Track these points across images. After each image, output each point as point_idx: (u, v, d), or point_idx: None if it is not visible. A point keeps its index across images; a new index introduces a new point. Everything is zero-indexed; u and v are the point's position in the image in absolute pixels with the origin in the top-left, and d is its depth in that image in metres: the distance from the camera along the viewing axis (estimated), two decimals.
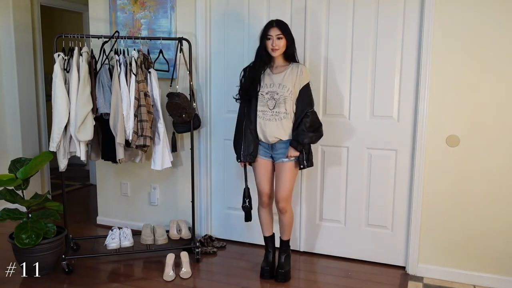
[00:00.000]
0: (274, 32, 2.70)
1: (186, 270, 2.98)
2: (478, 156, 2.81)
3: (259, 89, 2.76)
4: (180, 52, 3.18)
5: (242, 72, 2.88)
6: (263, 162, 2.88)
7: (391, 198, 3.08)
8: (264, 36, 2.73)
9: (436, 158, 2.89)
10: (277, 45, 2.70)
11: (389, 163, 3.05)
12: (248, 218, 2.97)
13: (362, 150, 3.11)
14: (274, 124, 2.74)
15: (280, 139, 2.77)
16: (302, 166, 2.78)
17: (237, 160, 2.92)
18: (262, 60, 2.78)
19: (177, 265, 3.07)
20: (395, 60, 2.95)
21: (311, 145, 2.80)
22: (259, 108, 2.77)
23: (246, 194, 2.94)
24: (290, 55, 2.77)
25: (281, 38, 2.70)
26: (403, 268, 3.10)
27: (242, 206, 2.96)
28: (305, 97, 2.74)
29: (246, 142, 2.81)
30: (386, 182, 3.07)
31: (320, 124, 2.80)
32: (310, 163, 2.80)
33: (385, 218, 3.11)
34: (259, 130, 2.79)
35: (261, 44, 2.76)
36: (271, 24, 2.73)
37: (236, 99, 2.89)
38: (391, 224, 3.11)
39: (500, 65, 2.69)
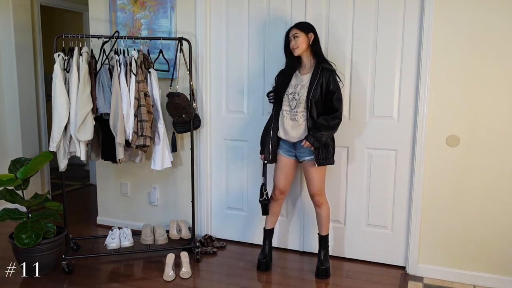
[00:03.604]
0: (292, 32, 2.79)
1: (186, 270, 2.98)
2: (478, 156, 2.81)
3: (286, 90, 2.84)
4: (180, 52, 3.18)
5: (277, 76, 2.96)
6: (284, 160, 2.94)
7: (391, 198, 3.08)
8: (286, 39, 2.84)
9: (436, 158, 2.89)
10: (295, 44, 2.77)
11: (389, 163, 3.05)
12: (265, 211, 3.02)
13: (362, 150, 3.11)
14: (292, 124, 2.82)
15: (300, 139, 2.82)
16: (316, 164, 2.80)
17: (260, 153, 3.02)
18: (291, 61, 2.87)
19: (177, 265, 3.07)
20: (395, 60, 2.95)
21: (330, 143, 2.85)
22: (283, 107, 2.85)
23: (264, 188, 2.99)
24: (316, 53, 2.80)
25: (298, 36, 2.76)
26: (403, 268, 3.11)
27: (260, 200, 3.00)
28: (331, 102, 2.75)
29: (272, 141, 2.91)
30: (386, 182, 3.07)
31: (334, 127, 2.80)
32: (325, 161, 2.82)
33: (385, 218, 3.11)
34: (281, 129, 2.87)
35: (285, 46, 2.85)
36: (291, 27, 2.83)
37: (269, 99, 2.99)
38: (391, 224, 3.11)
39: (501, 64, 2.69)
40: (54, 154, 3.01)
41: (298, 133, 2.81)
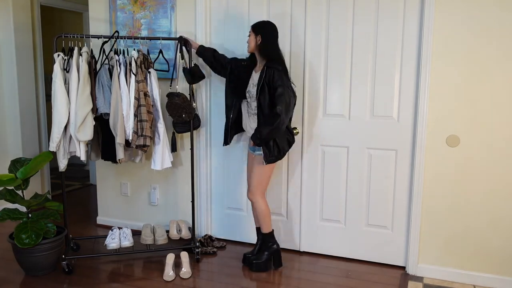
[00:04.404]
0: (249, 29, 2.94)
1: (186, 270, 2.98)
2: (478, 156, 2.81)
3: (247, 87, 2.95)
4: (180, 52, 3.18)
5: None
6: (249, 155, 3.11)
7: (391, 198, 3.08)
8: None
9: (436, 158, 2.89)
10: (247, 41, 2.91)
11: (389, 163, 3.05)
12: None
13: (362, 150, 3.11)
14: (249, 119, 2.95)
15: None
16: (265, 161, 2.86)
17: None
18: (249, 58, 3.01)
19: (177, 265, 3.07)
20: (395, 60, 2.95)
21: (281, 143, 2.87)
22: (245, 103, 2.99)
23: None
24: (263, 53, 2.86)
25: (249, 35, 2.90)
26: (403, 268, 3.11)
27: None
28: (276, 99, 2.76)
29: (226, 126, 3.11)
30: (386, 182, 3.07)
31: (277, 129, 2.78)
32: (270, 159, 2.84)
33: (385, 218, 3.11)
34: (243, 122, 3.04)
35: None
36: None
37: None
38: (391, 224, 3.11)
39: (501, 64, 2.69)
40: (54, 154, 3.01)
41: (252, 128, 2.92)
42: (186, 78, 3.16)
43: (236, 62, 3.07)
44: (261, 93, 2.79)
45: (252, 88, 2.89)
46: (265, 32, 2.86)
